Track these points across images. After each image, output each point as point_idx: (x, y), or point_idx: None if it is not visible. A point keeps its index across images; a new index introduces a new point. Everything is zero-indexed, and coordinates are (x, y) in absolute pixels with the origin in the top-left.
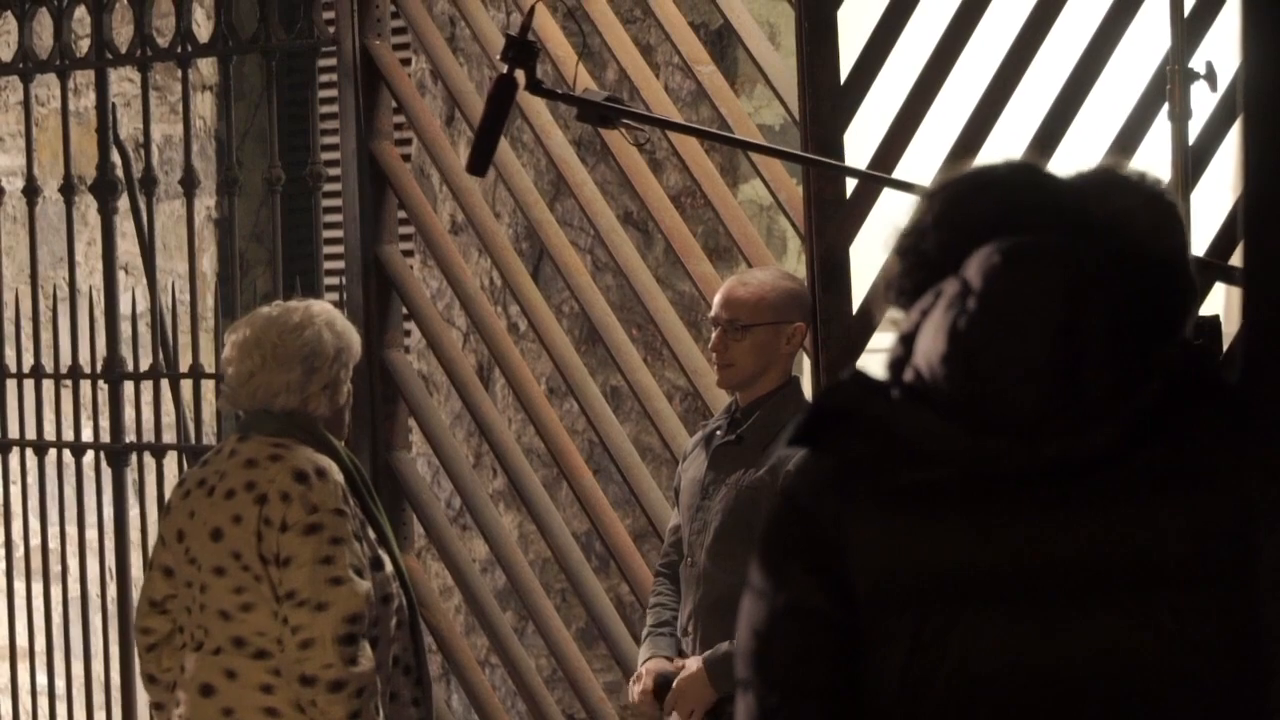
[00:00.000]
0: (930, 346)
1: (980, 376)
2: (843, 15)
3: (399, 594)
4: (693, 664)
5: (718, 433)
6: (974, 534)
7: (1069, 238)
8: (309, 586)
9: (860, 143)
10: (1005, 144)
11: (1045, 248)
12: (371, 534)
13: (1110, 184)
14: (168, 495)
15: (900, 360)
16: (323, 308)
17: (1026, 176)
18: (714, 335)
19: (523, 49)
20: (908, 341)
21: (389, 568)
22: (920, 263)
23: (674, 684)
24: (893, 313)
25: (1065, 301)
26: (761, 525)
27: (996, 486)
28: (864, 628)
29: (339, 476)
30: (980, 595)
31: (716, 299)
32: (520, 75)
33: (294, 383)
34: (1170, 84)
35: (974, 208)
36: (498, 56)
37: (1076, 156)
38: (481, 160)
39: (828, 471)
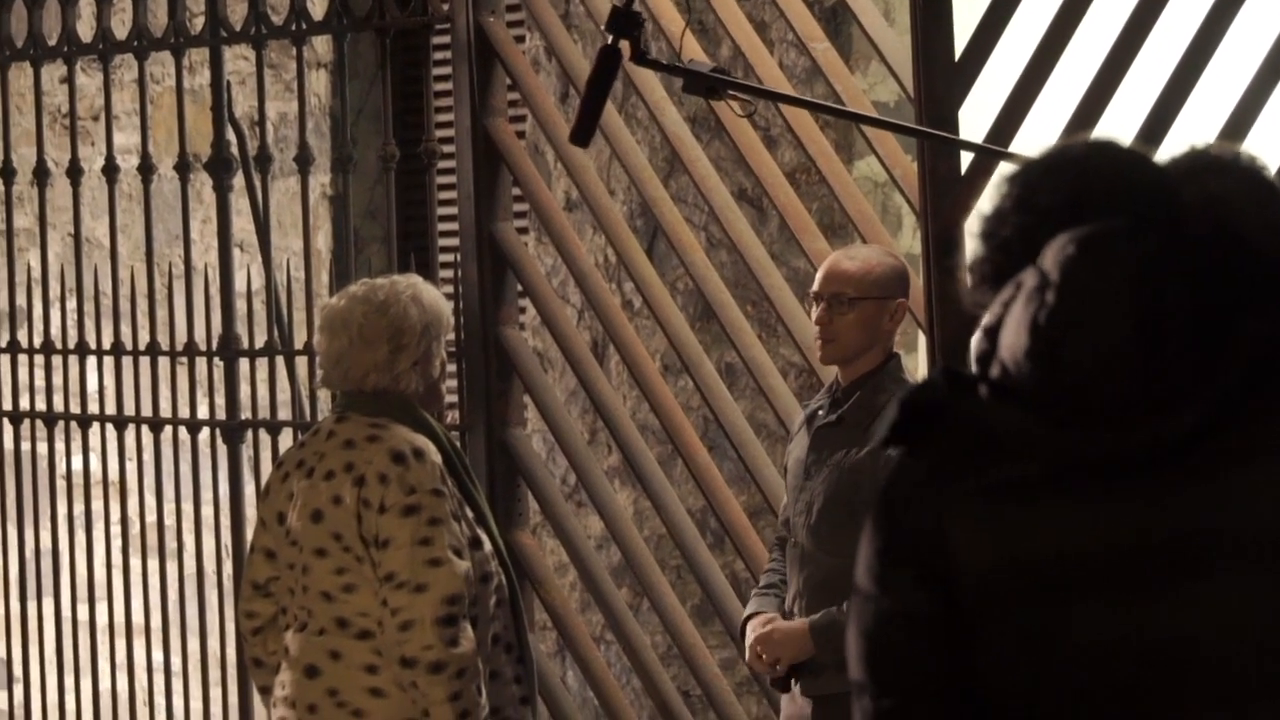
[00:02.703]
0: (1013, 341)
1: (1064, 369)
2: None
3: (498, 572)
4: (798, 621)
5: (819, 412)
6: (1073, 523)
7: (1146, 221)
8: (408, 568)
9: (976, 119)
10: (1121, 117)
11: (1120, 234)
12: (469, 513)
13: (1205, 166)
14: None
15: (986, 354)
16: (409, 283)
17: (1105, 158)
18: (818, 310)
19: (627, 19)
20: (992, 335)
21: (488, 546)
22: (1000, 248)
23: (773, 631)
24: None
25: (1142, 287)
26: (865, 528)
27: (1090, 475)
28: (972, 625)
29: (436, 457)
30: (1086, 583)
31: (820, 274)
32: (625, 46)
33: (382, 361)
34: None
35: (1051, 191)
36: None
37: (1192, 129)
38: (585, 131)
39: (923, 471)
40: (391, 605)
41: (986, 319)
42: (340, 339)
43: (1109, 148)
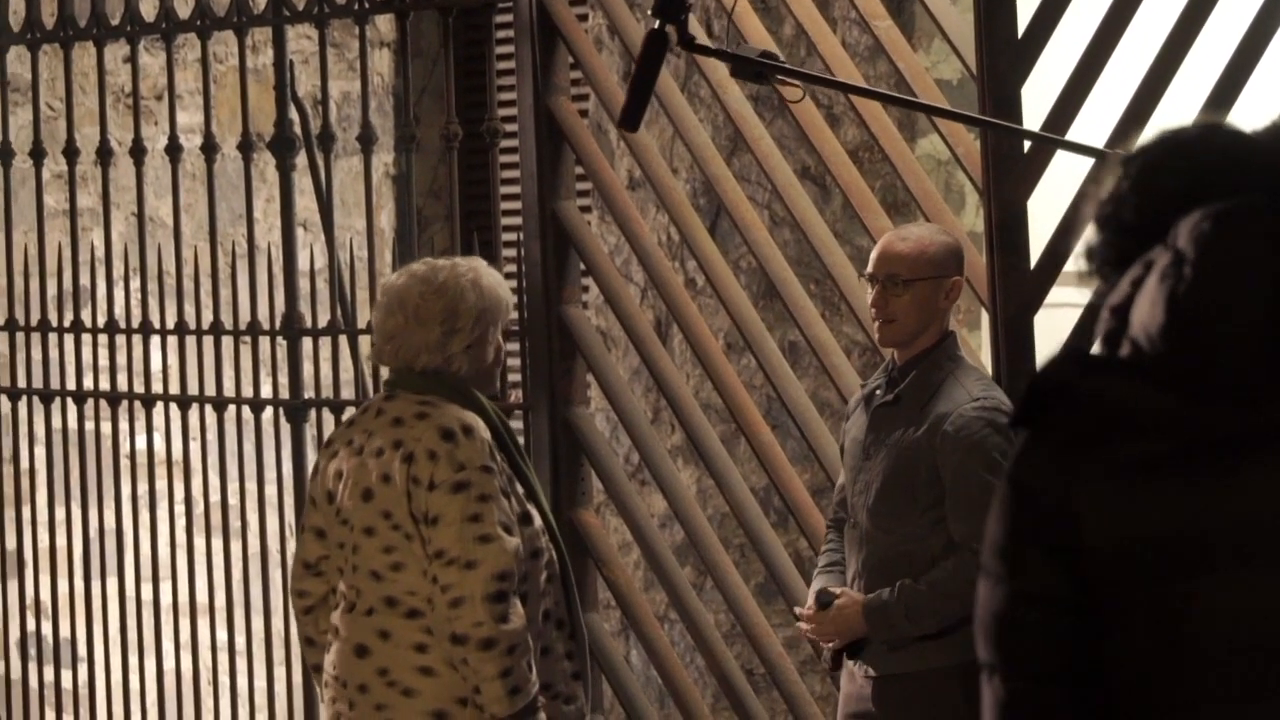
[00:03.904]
0: (1148, 318)
1: (1201, 344)
2: None
3: (549, 548)
4: (849, 601)
5: (877, 392)
6: (1205, 499)
7: (1274, 196)
8: (457, 545)
9: (1040, 96)
10: (1185, 92)
11: (1254, 209)
12: (519, 489)
13: None
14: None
15: (1114, 333)
16: (470, 266)
17: (1221, 138)
18: (873, 292)
19: (671, 3)
20: (1120, 313)
21: (538, 522)
22: (1121, 231)
23: (830, 609)
24: (1089, 279)
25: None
26: (992, 511)
27: (1222, 451)
28: (1103, 604)
29: (485, 433)
30: (1219, 559)
31: (873, 255)
32: (671, 30)
33: (434, 342)
34: None
35: (1171, 173)
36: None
37: (1254, 111)
38: (633, 114)
39: (1052, 451)
40: (441, 582)
41: (1113, 298)
42: (395, 317)
43: (1223, 129)
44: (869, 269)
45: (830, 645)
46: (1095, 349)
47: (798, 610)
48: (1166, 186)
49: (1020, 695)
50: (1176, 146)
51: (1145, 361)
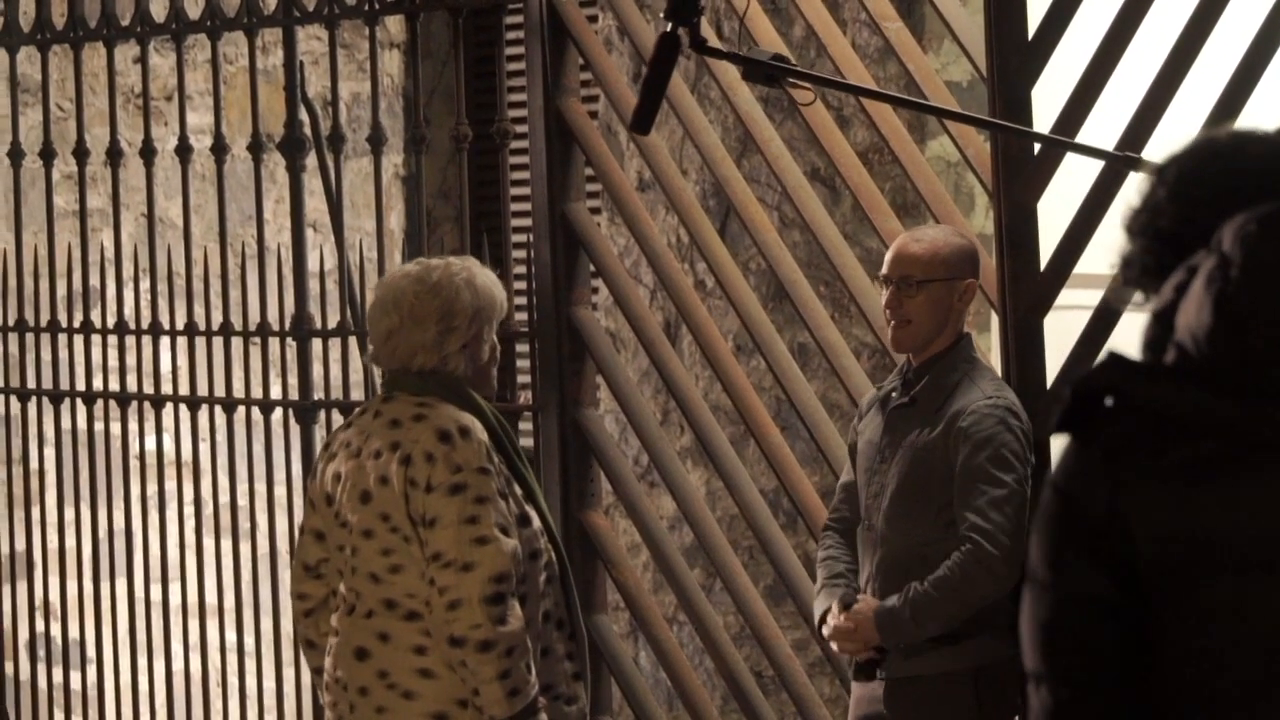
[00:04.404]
0: (1195, 322)
1: (1250, 346)
2: None
3: (548, 549)
4: (865, 606)
5: (893, 394)
6: (1256, 503)
7: None
8: (454, 547)
9: (1050, 98)
10: (1195, 94)
11: None
12: (518, 490)
13: None
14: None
15: (1158, 338)
16: (464, 265)
17: (1254, 144)
18: (887, 294)
19: (685, 5)
20: (1163, 319)
21: (536, 523)
22: (1159, 238)
23: (843, 617)
24: (1126, 289)
25: None
26: (1036, 519)
27: (1272, 452)
28: (1153, 608)
29: (483, 434)
30: (1268, 558)
31: (888, 257)
32: (683, 33)
33: (430, 342)
34: None
35: (1209, 181)
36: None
37: (1263, 115)
38: (645, 117)
39: (1098, 456)
40: (439, 584)
41: (1155, 305)
42: (391, 317)
43: (1255, 135)
44: (883, 270)
45: (854, 656)
46: (1139, 354)
47: (825, 629)
48: (1204, 194)
49: (1068, 704)
50: (1212, 154)
51: (1192, 366)
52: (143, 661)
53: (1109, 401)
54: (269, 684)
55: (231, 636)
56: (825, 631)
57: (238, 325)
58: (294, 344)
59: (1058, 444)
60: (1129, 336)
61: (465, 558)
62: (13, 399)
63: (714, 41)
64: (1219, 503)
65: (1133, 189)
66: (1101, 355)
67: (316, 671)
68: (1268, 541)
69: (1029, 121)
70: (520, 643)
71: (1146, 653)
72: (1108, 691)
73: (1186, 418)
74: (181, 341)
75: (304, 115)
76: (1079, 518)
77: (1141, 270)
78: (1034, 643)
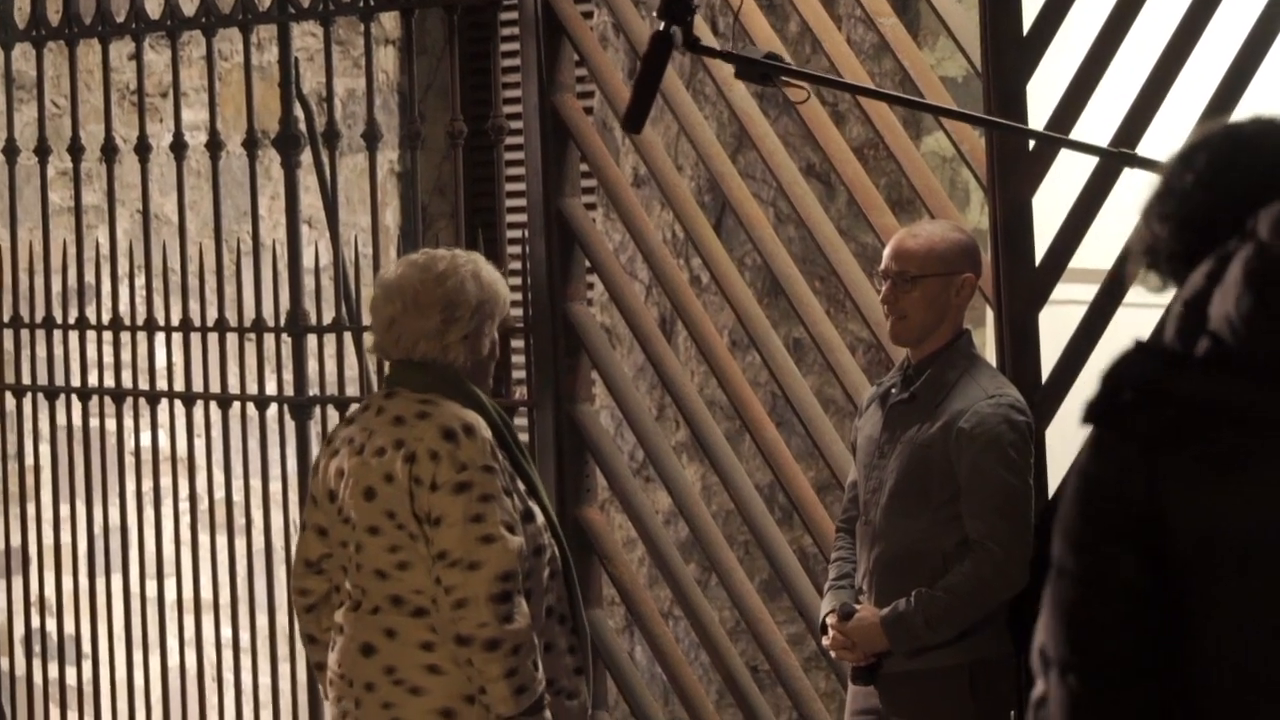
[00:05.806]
0: (1230, 309)
1: None
2: None
3: (551, 544)
4: (868, 614)
5: (892, 390)
6: None
7: None
8: (460, 546)
9: (1045, 93)
10: (1190, 89)
11: None
12: (521, 486)
13: None
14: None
15: (1190, 327)
16: (469, 258)
17: (1277, 134)
18: (884, 288)
19: (677, 4)
20: (1195, 306)
21: (540, 519)
22: (1186, 225)
23: (848, 624)
24: (1150, 276)
25: None
26: (1065, 508)
27: None
28: (1188, 599)
29: (486, 432)
30: None
31: (886, 251)
32: (676, 32)
33: (432, 330)
34: None
35: (1241, 169)
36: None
37: (1260, 101)
38: (638, 115)
39: (1131, 446)
40: (445, 583)
41: (1186, 292)
42: (394, 304)
43: (1276, 124)
44: (881, 265)
45: (853, 661)
46: (1168, 343)
47: (824, 640)
48: (1233, 181)
49: (1096, 693)
50: (1240, 142)
51: (1228, 354)
52: (138, 657)
53: (1128, 395)
54: (264, 679)
55: (227, 632)
56: (825, 642)
57: (233, 321)
58: (289, 340)
59: (1052, 437)
60: (1124, 331)
61: (471, 556)
62: (7, 395)
63: (708, 38)
64: (1258, 493)
65: (1136, 182)
66: (1128, 346)
67: (318, 667)
68: None
69: (1024, 117)
70: (527, 641)
71: (1179, 642)
72: (1137, 682)
73: (1225, 407)
74: (176, 337)
75: (299, 111)
76: (1116, 508)
77: (1170, 256)
78: (1062, 631)
